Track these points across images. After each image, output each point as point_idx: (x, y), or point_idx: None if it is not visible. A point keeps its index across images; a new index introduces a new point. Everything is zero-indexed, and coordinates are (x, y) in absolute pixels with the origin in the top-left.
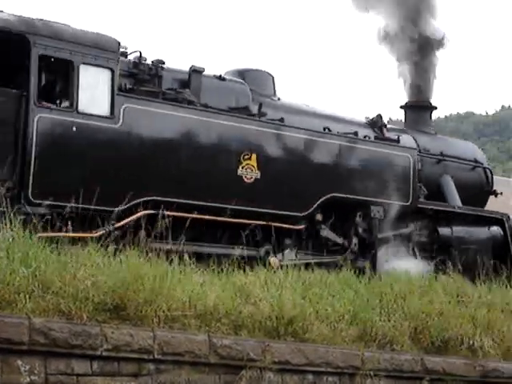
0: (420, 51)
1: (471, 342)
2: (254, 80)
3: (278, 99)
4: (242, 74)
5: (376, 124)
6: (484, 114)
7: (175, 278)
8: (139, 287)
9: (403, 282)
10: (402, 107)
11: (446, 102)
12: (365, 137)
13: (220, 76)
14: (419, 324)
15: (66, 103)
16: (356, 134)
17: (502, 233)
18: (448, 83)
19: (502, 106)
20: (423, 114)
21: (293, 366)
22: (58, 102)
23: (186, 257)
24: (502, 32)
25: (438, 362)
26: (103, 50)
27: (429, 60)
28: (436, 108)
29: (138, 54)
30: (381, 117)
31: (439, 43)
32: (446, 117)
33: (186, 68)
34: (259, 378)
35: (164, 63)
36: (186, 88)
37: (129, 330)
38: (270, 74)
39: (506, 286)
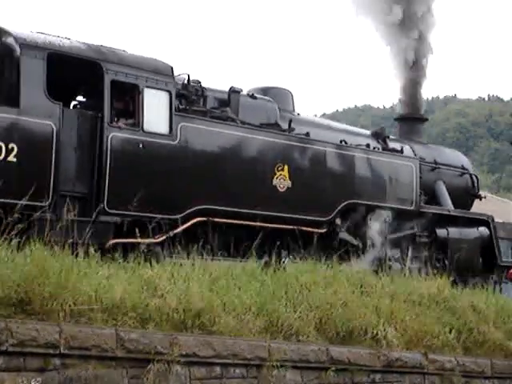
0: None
1: (375, 332)
2: (276, 97)
3: (298, 114)
4: (266, 91)
5: (380, 136)
6: (381, 107)
7: (81, 272)
8: (44, 281)
9: (308, 273)
10: (396, 119)
11: (344, 95)
12: (374, 148)
13: (252, 95)
14: (324, 315)
15: (133, 123)
16: (368, 145)
17: (487, 232)
18: (347, 77)
19: (399, 100)
20: (416, 125)
21: (200, 359)
22: (126, 121)
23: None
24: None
25: (343, 352)
26: (161, 75)
27: (420, 74)
28: (427, 119)
29: (186, 76)
30: (384, 129)
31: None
32: (344, 110)
33: (220, 87)
34: (167, 371)
35: (200, 83)
36: (227, 106)
37: (34, 325)
38: (290, 92)
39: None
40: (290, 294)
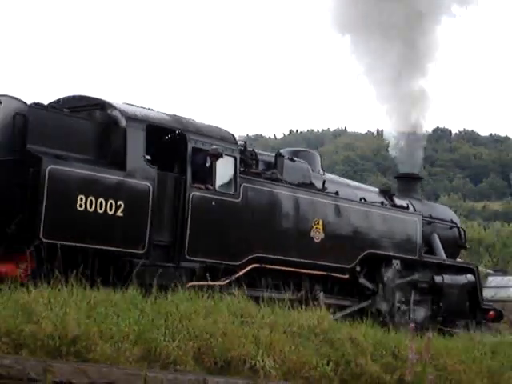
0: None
1: (253, 363)
2: (306, 158)
3: (324, 174)
4: (296, 153)
5: (387, 193)
6: (273, 137)
7: None
8: None
9: (189, 301)
10: (395, 177)
11: (236, 124)
12: (385, 204)
13: (291, 158)
14: (203, 344)
15: (208, 184)
16: (382, 203)
17: (473, 279)
18: (237, 107)
19: (290, 131)
20: (413, 183)
21: None
22: (203, 183)
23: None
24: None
25: (220, 383)
26: (228, 142)
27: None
28: (423, 178)
29: (244, 142)
30: (390, 187)
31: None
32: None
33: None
34: None
35: (253, 149)
36: (273, 168)
37: None
38: (317, 153)
39: (289, 308)
40: (170, 322)
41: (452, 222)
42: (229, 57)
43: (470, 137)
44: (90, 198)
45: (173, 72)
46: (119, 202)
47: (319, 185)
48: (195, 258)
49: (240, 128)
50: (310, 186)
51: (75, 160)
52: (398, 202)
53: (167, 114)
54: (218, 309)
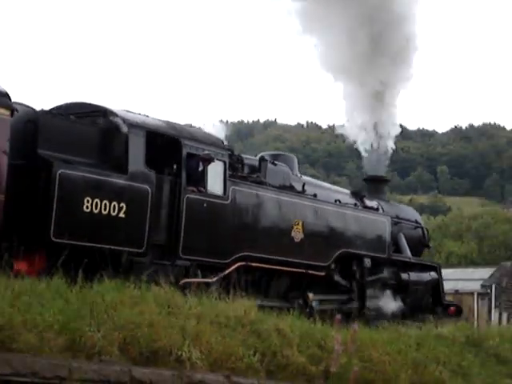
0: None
1: (179, 353)
2: (284, 161)
3: (301, 177)
4: (276, 157)
5: (358, 194)
6: (203, 127)
7: None
8: None
9: (115, 291)
10: (364, 180)
11: (166, 113)
12: (358, 206)
13: (273, 162)
14: (129, 335)
15: (201, 187)
16: (355, 204)
17: (436, 276)
18: (167, 96)
19: (220, 121)
20: (380, 185)
21: None
22: (196, 185)
23: None
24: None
25: (145, 373)
26: (218, 147)
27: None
28: (390, 180)
29: (230, 148)
30: (361, 189)
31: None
32: None
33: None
34: None
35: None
36: (257, 172)
37: None
38: (295, 157)
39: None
40: (95, 312)
41: (416, 222)
42: (157, 43)
43: None
44: (96, 200)
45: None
46: (122, 204)
47: (299, 187)
48: (188, 257)
49: (170, 117)
50: (290, 188)
51: (81, 164)
52: (368, 203)
53: (162, 121)
54: (145, 299)
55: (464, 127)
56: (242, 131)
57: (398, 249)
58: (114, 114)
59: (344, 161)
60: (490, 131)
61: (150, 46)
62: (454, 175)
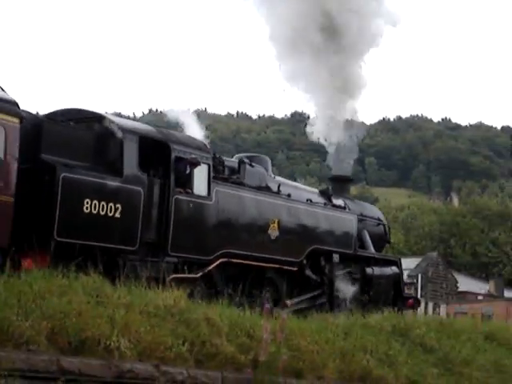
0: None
1: (108, 343)
2: (259, 163)
3: (274, 177)
4: (251, 158)
5: (326, 193)
6: (132, 115)
7: None
8: None
9: (42, 280)
10: (329, 179)
11: (94, 102)
12: (327, 205)
13: (251, 164)
14: (57, 324)
15: (188, 188)
16: (325, 203)
17: (397, 270)
18: (95, 84)
19: (150, 110)
20: (345, 184)
21: None
22: (183, 187)
23: None
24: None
25: (74, 363)
26: (203, 151)
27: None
28: (353, 180)
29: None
30: (328, 188)
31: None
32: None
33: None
34: None
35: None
36: (237, 173)
37: None
38: (268, 158)
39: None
40: (23, 301)
41: (379, 219)
42: (84, 31)
43: None
44: (95, 201)
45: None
46: (117, 205)
47: (274, 187)
48: (176, 254)
49: (98, 106)
50: (266, 188)
51: (79, 167)
52: (335, 201)
53: (152, 127)
54: (73, 288)
55: (392, 119)
56: (171, 120)
57: (362, 245)
58: (109, 120)
59: (274, 151)
60: (417, 123)
61: (74, 32)
62: (381, 166)
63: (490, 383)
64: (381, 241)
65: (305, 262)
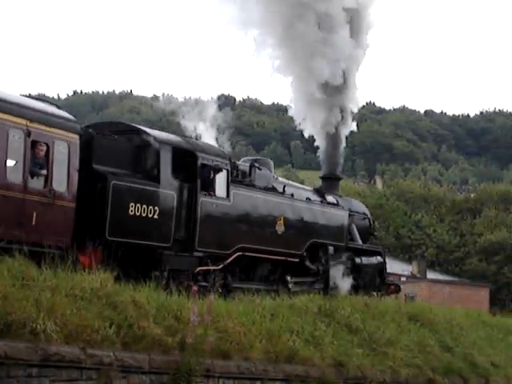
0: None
1: (34, 326)
2: (263, 165)
3: (277, 178)
4: (256, 161)
5: (320, 191)
6: (56, 97)
7: None
8: None
9: None
10: (320, 177)
11: (16, 83)
12: (323, 202)
13: (259, 167)
14: None
15: (211, 191)
16: (322, 201)
17: (381, 259)
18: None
19: (74, 91)
20: (335, 182)
21: None
22: (207, 190)
23: None
24: None
25: (0, 346)
26: (223, 158)
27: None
28: (342, 178)
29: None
30: (321, 187)
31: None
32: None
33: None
34: None
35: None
36: (249, 176)
37: None
38: (270, 161)
39: (72, 271)
40: None
41: (364, 214)
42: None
43: (253, 105)
44: (138, 205)
45: None
46: (155, 208)
47: (280, 188)
48: (202, 249)
49: (21, 87)
50: (273, 189)
51: (124, 175)
52: (328, 199)
53: (180, 137)
54: None
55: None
56: (97, 102)
57: (351, 237)
58: (147, 133)
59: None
60: None
61: None
62: (307, 150)
63: (414, 363)
64: (366, 233)
65: (305, 254)
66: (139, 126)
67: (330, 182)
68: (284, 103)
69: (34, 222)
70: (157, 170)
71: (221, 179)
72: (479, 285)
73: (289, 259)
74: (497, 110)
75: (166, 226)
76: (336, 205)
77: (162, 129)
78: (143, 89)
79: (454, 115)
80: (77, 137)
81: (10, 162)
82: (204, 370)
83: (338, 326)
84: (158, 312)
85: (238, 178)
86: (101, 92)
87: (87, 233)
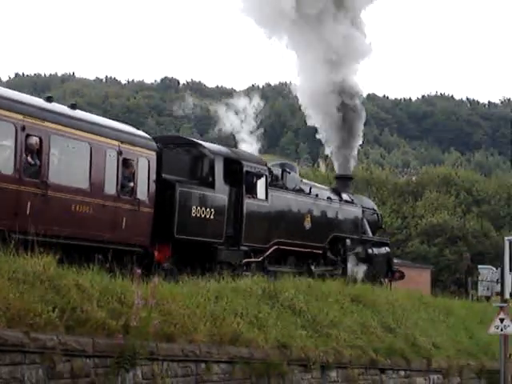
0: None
1: None
2: (290, 169)
3: (302, 180)
4: (283, 165)
5: (336, 190)
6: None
7: None
8: None
9: None
10: (335, 177)
11: None
12: (341, 201)
13: (289, 171)
14: None
15: (254, 194)
16: (340, 200)
17: (388, 250)
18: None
19: (16, 74)
20: (347, 181)
21: None
22: (251, 193)
23: None
24: None
25: None
26: (262, 165)
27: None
28: (353, 178)
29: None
30: (338, 186)
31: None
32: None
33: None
34: None
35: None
36: (281, 179)
37: None
38: (295, 165)
39: (16, 255)
40: None
41: (373, 209)
42: None
43: (197, 87)
44: (198, 207)
45: None
46: (212, 210)
47: (306, 189)
48: (247, 244)
49: None
50: (301, 190)
51: (187, 183)
52: (344, 197)
53: (227, 148)
54: None
55: (261, 86)
56: (38, 85)
57: (363, 231)
58: (202, 146)
59: (143, 117)
60: (285, 91)
61: None
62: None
63: (357, 344)
64: (375, 226)
65: (327, 246)
66: (196, 140)
67: (343, 182)
68: (228, 86)
69: (123, 226)
70: (212, 177)
71: (261, 183)
72: (421, 266)
73: (314, 251)
74: (438, 93)
75: (220, 225)
76: (351, 202)
77: (105, 111)
78: (86, 71)
79: (396, 99)
80: (154, 153)
81: (107, 177)
82: (148, 353)
83: (281, 308)
84: (102, 295)
85: (272, 181)
86: (43, 74)
87: (159, 232)
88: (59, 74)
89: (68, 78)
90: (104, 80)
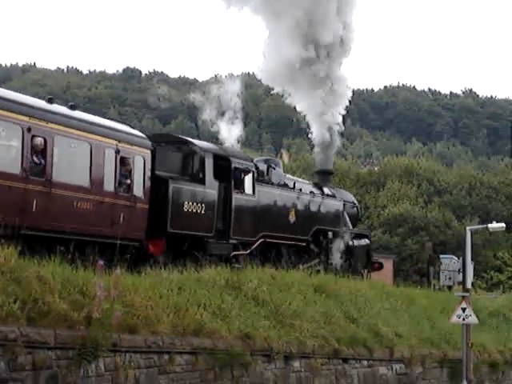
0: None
1: None
2: (275, 164)
3: (286, 175)
4: (267, 161)
5: (318, 185)
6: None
7: None
8: None
9: None
10: (315, 172)
11: None
12: (324, 195)
13: (274, 167)
14: None
15: (241, 189)
16: (322, 193)
17: (368, 241)
18: None
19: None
20: (328, 176)
21: None
22: (238, 189)
23: None
24: None
25: None
26: (250, 161)
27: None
28: (334, 172)
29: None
30: (320, 181)
31: None
32: None
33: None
34: None
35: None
36: (267, 175)
37: None
38: (279, 160)
39: None
40: None
41: (353, 203)
42: None
43: (159, 77)
44: (190, 203)
45: None
46: (202, 205)
47: (290, 184)
48: (236, 237)
49: None
50: (286, 185)
51: (179, 179)
52: (326, 191)
53: (216, 145)
54: None
55: (224, 76)
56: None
57: (344, 223)
58: (193, 143)
59: (105, 107)
60: (248, 81)
61: None
62: (213, 123)
63: (320, 334)
64: (355, 219)
65: (310, 239)
66: (186, 138)
67: (324, 176)
68: (190, 76)
69: (121, 221)
70: (202, 174)
71: (248, 179)
72: (383, 256)
73: (298, 243)
74: (400, 84)
75: (210, 219)
76: (333, 196)
77: (66, 101)
78: (47, 61)
79: (358, 89)
80: (149, 151)
81: (106, 175)
82: (111, 344)
83: (245, 299)
84: (64, 287)
85: (258, 177)
86: (4, 65)
87: (153, 227)
88: (20, 65)
89: (29, 69)
90: (65, 70)
